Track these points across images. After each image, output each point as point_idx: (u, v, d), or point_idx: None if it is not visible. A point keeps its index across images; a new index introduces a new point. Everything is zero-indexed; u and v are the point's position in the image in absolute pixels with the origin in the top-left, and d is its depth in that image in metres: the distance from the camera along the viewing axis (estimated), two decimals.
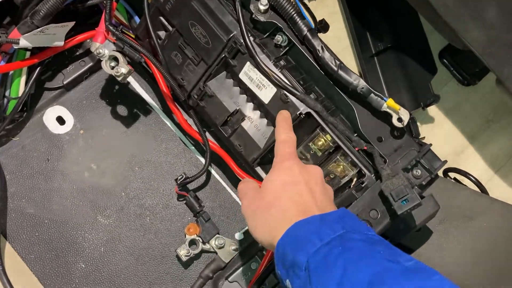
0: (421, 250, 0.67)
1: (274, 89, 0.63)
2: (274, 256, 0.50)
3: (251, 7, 0.63)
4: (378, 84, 0.94)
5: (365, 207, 0.60)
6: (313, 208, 0.51)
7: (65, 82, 0.78)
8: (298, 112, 0.63)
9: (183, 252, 0.73)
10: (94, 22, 0.75)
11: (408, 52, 0.92)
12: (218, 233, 0.76)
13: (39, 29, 0.64)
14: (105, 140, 0.79)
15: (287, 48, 0.66)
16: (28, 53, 0.70)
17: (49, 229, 0.75)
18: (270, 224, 0.52)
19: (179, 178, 0.75)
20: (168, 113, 0.80)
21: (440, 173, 0.83)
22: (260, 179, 0.71)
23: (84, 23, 0.76)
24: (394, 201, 0.55)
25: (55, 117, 0.79)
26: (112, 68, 0.66)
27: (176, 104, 0.74)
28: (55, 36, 0.68)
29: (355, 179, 0.64)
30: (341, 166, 0.65)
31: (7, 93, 0.71)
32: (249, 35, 0.62)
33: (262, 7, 0.63)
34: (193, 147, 0.80)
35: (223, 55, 0.65)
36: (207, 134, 0.76)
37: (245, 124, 0.68)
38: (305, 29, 0.62)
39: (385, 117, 0.61)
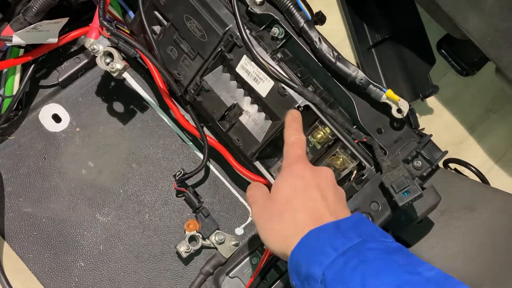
0: (422, 241, 0.67)
1: (272, 82, 0.63)
2: (288, 267, 0.48)
3: None
4: (376, 76, 0.93)
5: (366, 199, 0.59)
6: (326, 214, 0.49)
7: (60, 80, 0.78)
8: (296, 105, 0.62)
9: (183, 248, 0.73)
10: (88, 18, 0.74)
11: (406, 43, 0.91)
12: (218, 229, 0.75)
13: (32, 25, 0.63)
14: (101, 137, 0.78)
15: (284, 40, 0.65)
16: (21, 51, 0.70)
17: (47, 227, 0.74)
18: (283, 233, 0.50)
19: (177, 174, 0.75)
20: (165, 109, 0.79)
21: (440, 164, 0.83)
22: (259, 173, 0.70)
23: (78, 19, 0.75)
24: (395, 193, 0.55)
25: (51, 115, 0.78)
26: (107, 64, 0.65)
27: (173, 99, 0.73)
28: (49, 32, 0.67)
29: (355, 172, 0.64)
30: (341, 159, 0.64)
31: (1, 92, 0.70)
32: (245, 28, 0.62)
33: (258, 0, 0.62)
34: (191, 143, 0.80)
35: (219, 49, 0.64)
36: (205, 129, 0.75)
37: (243, 119, 0.67)
38: (302, 21, 0.61)
39: (385, 108, 0.60)
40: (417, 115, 0.93)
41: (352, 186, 0.61)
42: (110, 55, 0.66)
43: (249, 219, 0.78)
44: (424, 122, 0.94)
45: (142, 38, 0.71)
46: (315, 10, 0.85)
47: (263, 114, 0.67)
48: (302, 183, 0.52)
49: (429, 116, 0.96)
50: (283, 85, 0.62)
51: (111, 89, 0.80)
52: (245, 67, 0.64)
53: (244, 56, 0.63)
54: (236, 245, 0.75)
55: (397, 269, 0.41)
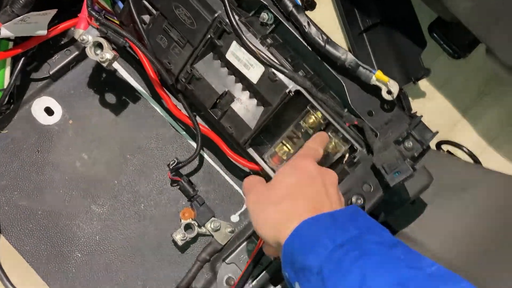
0: (416, 222, 0.68)
1: (262, 68, 0.63)
2: (281, 256, 0.47)
3: None
4: (368, 61, 0.93)
5: (358, 181, 0.59)
6: (327, 207, 0.49)
7: (51, 72, 0.77)
8: (287, 90, 0.62)
9: (179, 236, 0.73)
10: (78, 10, 0.73)
11: (397, 27, 0.91)
12: (213, 216, 0.75)
13: (19, 17, 0.63)
14: (95, 129, 0.78)
15: (274, 26, 0.65)
16: (11, 44, 0.69)
17: (43, 220, 0.74)
18: (278, 218, 0.49)
19: (171, 163, 0.75)
20: (157, 99, 0.79)
21: (433, 146, 0.83)
22: (252, 160, 0.70)
23: (67, 11, 0.75)
24: (386, 174, 0.55)
25: (43, 108, 0.78)
26: (97, 54, 0.65)
27: (165, 89, 0.73)
28: (38, 24, 0.67)
29: (347, 155, 0.64)
30: (333, 143, 0.65)
31: None
32: (234, 14, 0.62)
33: None
34: (184, 132, 0.80)
35: (209, 36, 0.64)
36: (198, 118, 0.75)
37: (235, 106, 0.67)
38: (290, 5, 0.61)
39: (375, 90, 0.61)
40: (410, 98, 0.94)
41: (344, 169, 0.62)
42: (99, 45, 0.66)
43: (244, 207, 0.78)
44: (417, 106, 0.95)
45: (132, 28, 0.71)
46: None
47: (254, 101, 0.67)
48: (307, 177, 0.51)
49: (422, 99, 0.97)
50: (273, 70, 0.62)
51: (103, 81, 0.79)
52: (235, 54, 0.64)
53: (234, 43, 0.63)
54: (232, 232, 0.76)
55: (398, 264, 0.40)
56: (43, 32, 0.68)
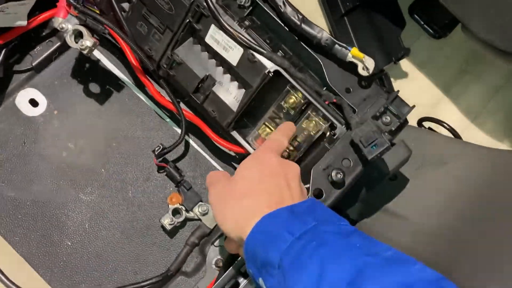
0: (398, 197, 0.69)
1: (241, 50, 0.64)
2: (244, 254, 0.47)
3: None
4: (350, 44, 0.93)
5: (337, 157, 0.60)
6: (288, 200, 0.49)
7: (34, 64, 0.78)
8: (267, 71, 0.63)
9: (167, 221, 0.74)
10: (57, 0, 0.74)
11: (377, 8, 0.92)
12: (201, 201, 0.76)
13: None
14: (80, 119, 0.79)
15: (251, 8, 0.66)
16: None
17: (31, 210, 0.75)
18: (240, 215, 0.49)
19: (156, 149, 0.76)
20: (141, 87, 0.80)
21: (414, 123, 0.85)
22: (237, 143, 0.71)
23: (47, 1, 0.75)
24: (364, 147, 0.56)
25: (28, 100, 0.78)
26: (77, 42, 0.66)
27: (147, 76, 0.74)
28: (17, 15, 0.68)
29: (328, 133, 0.65)
30: (313, 122, 0.66)
31: None
32: None
33: None
34: (169, 119, 0.80)
35: (187, 20, 0.65)
36: (182, 105, 0.76)
37: (217, 89, 0.68)
38: None
39: (351, 67, 0.62)
40: (392, 79, 0.95)
41: (325, 146, 0.63)
42: (79, 33, 0.67)
43: None
44: (399, 86, 0.96)
45: (112, 16, 0.71)
46: None
47: (236, 83, 0.67)
48: (269, 170, 0.51)
49: (404, 79, 0.98)
50: (252, 51, 0.63)
51: (87, 71, 0.80)
52: (214, 37, 0.65)
53: (212, 26, 0.64)
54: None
55: (355, 252, 0.41)
56: (23, 22, 0.69)
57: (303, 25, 0.61)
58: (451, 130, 0.80)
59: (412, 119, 0.75)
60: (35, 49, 0.78)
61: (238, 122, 0.70)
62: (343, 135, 0.61)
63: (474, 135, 0.96)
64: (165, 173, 0.78)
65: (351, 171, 0.60)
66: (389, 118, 0.60)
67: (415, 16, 0.99)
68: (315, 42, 0.61)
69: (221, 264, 0.73)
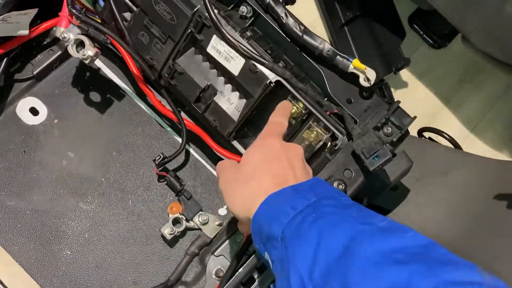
0: (399, 208, 0.69)
1: (243, 60, 0.64)
2: (251, 231, 0.50)
3: None
4: (350, 53, 0.94)
5: (339, 167, 0.60)
6: (292, 181, 0.51)
7: (35, 72, 0.78)
8: (268, 81, 0.63)
9: (167, 230, 0.74)
10: (59, 9, 0.74)
11: (377, 19, 0.93)
12: (201, 210, 0.76)
13: (0, 17, 0.63)
14: (80, 128, 0.79)
15: (253, 18, 0.66)
16: None
17: (31, 219, 0.75)
18: (247, 196, 0.51)
19: (157, 158, 0.76)
20: (142, 96, 0.80)
21: (414, 133, 0.85)
22: (237, 153, 0.71)
23: (49, 10, 0.75)
24: (365, 158, 0.56)
25: (28, 108, 0.78)
26: (79, 51, 0.66)
27: (148, 85, 0.74)
28: (19, 24, 0.68)
29: (329, 143, 0.65)
30: (315, 132, 0.66)
31: None
32: (213, 7, 0.62)
33: None
34: (170, 128, 0.80)
35: (189, 30, 0.65)
36: (183, 114, 0.76)
37: (218, 99, 0.68)
38: None
39: (353, 78, 0.62)
40: (392, 89, 0.95)
41: (326, 156, 0.63)
42: (81, 43, 0.67)
43: None
44: (400, 96, 0.96)
45: (114, 25, 0.72)
46: None
47: (237, 93, 0.68)
48: (272, 154, 0.53)
49: (404, 89, 0.98)
50: (253, 62, 0.63)
51: (87, 80, 0.80)
52: (216, 47, 0.65)
53: (214, 36, 0.64)
54: (220, 225, 0.77)
55: (351, 221, 0.43)
56: (25, 32, 0.69)
57: (305, 36, 0.61)
58: (451, 140, 0.80)
59: (413, 129, 0.75)
60: (36, 58, 0.78)
61: (239, 131, 0.70)
62: (345, 146, 0.62)
63: (474, 144, 0.96)
64: (165, 182, 0.78)
65: (353, 182, 0.60)
66: (390, 129, 0.60)
67: (415, 26, 1.00)
68: (316, 53, 0.61)
69: (221, 274, 0.73)
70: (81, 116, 0.79)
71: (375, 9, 0.93)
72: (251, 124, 0.70)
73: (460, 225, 0.64)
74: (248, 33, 0.65)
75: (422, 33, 1.00)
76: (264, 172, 0.52)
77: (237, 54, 0.64)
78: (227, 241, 0.76)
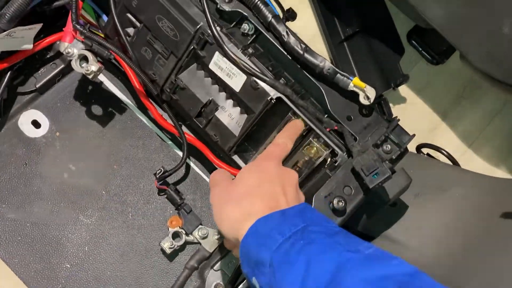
0: (398, 223, 0.69)
1: (244, 77, 0.65)
2: (240, 255, 0.50)
3: None
4: (349, 69, 0.95)
5: (339, 184, 0.61)
6: (283, 206, 0.52)
7: (37, 86, 0.79)
8: (269, 98, 0.64)
9: (167, 244, 0.74)
10: (63, 24, 0.75)
11: (376, 35, 0.94)
12: (201, 224, 0.77)
13: (5, 32, 0.64)
14: (82, 141, 0.79)
15: (254, 36, 0.67)
16: None
17: (31, 232, 0.75)
18: (237, 217, 0.52)
19: (157, 172, 0.76)
20: (143, 110, 0.81)
21: (413, 149, 0.86)
22: (238, 167, 0.72)
23: (53, 25, 0.76)
24: (365, 176, 0.57)
25: (30, 121, 0.79)
26: (82, 67, 0.67)
27: (150, 99, 0.75)
28: (23, 39, 0.68)
29: (329, 159, 0.66)
30: (315, 148, 0.67)
31: None
32: (216, 25, 0.63)
33: None
34: (171, 142, 0.81)
35: (192, 47, 0.66)
36: (183, 127, 0.77)
37: (219, 114, 0.69)
38: (269, 16, 0.63)
39: (353, 96, 0.63)
40: (391, 104, 0.96)
41: (326, 173, 0.63)
42: (85, 58, 0.67)
43: None
44: (398, 111, 0.97)
45: (117, 41, 0.73)
46: (286, 7, 0.88)
47: (238, 109, 0.68)
48: (267, 177, 0.54)
49: (403, 105, 0.99)
50: (255, 79, 0.64)
51: (89, 93, 0.81)
52: (218, 63, 0.66)
53: (216, 53, 0.65)
54: (220, 239, 0.77)
55: (338, 249, 0.44)
56: (29, 46, 0.69)
57: (306, 55, 0.62)
58: (449, 156, 0.81)
59: (411, 145, 0.76)
60: (39, 71, 0.79)
61: (240, 146, 0.70)
62: (345, 163, 0.62)
63: (472, 160, 0.97)
64: (165, 196, 0.78)
65: (353, 199, 0.60)
66: (389, 147, 0.61)
67: (413, 42, 1.01)
68: (317, 71, 0.62)
69: None
70: (83, 129, 0.79)
71: (374, 25, 0.94)
72: (251, 139, 0.71)
73: (459, 241, 0.65)
74: (250, 50, 0.66)
75: (420, 49, 1.01)
76: (257, 194, 0.53)
77: (239, 71, 0.65)
78: (226, 256, 0.76)
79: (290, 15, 0.86)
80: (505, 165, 0.97)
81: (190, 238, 0.76)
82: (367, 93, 0.60)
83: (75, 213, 0.76)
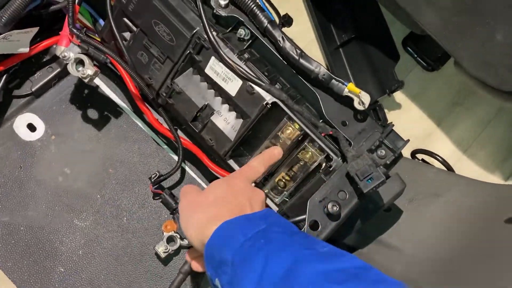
0: (392, 228, 0.70)
1: (240, 82, 0.65)
2: (204, 257, 0.52)
3: (212, 2, 0.65)
4: (345, 75, 0.96)
5: (334, 189, 0.61)
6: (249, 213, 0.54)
7: (33, 89, 0.79)
8: (265, 102, 0.64)
9: (162, 248, 0.74)
10: (59, 28, 0.75)
11: (372, 42, 0.95)
12: None
13: (1, 35, 0.64)
14: (77, 144, 0.79)
15: (250, 41, 0.68)
16: None
17: (25, 235, 0.75)
18: (203, 221, 0.54)
19: (153, 176, 0.76)
20: (139, 114, 0.81)
21: (407, 155, 0.86)
22: (233, 171, 0.72)
23: (49, 29, 0.77)
24: (359, 180, 0.57)
25: (26, 124, 0.79)
26: (78, 70, 0.67)
27: (146, 104, 0.75)
28: (20, 42, 0.69)
29: (323, 164, 0.66)
30: (310, 153, 0.67)
31: None
32: (212, 30, 0.64)
33: (222, 2, 0.65)
34: (166, 146, 0.81)
35: (188, 51, 0.66)
36: (179, 132, 0.77)
37: (215, 118, 0.69)
38: (265, 21, 0.64)
39: (348, 101, 0.63)
40: (386, 110, 0.97)
41: (321, 177, 0.63)
42: (81, 62, 0.68)
43: None
44: (393, 117, 0.98)
45: (113, 45, 0.73)
46: (282, 13, 0.88)
47: (234, 113, 0.69)
48: (236, 190, 0.57)
49: (398, 111, 1.00)
50: (250, 83, 0.64)
51: (85, 97, 0.81)
52: (214, 68, 0.66)
53: (212, 58, 0.65)
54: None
55: (295, 247, 0.47)
56: (25, 49, 0.70)
57: (301, 60, 0.62)
58: (444, 162, 0.81)
59: (406, 151, 0.77)
60: (35, 75, 0.79)
61: (235, 150, 0.71)
62: (339, 167, 0.62)
63: (466, 166, 0.97)
64: (160, 200, 0.78)
65: (347, 203, 0.60)
66: (384, 152, 0.61)
67: (409, 49, 1.02)
68: (312, 76, 0.63)
69: None
70: (78, 132, 0.79)
71: (370, 32, 0.95)
72: (247, 144, 0.71)
73: (452, 246, 0.65)
74: (246, 55, 0.66)
75: (415, 56, 1.02)
76: (224, 203, 0.55)
77: (235, 76, 0.65)
78: None
79: (286, 21, 0.87)
80: (499, 171, 0.97)
81: (185, 242, 0.76)
82: (362, 99, 0.60)
83: (69, 217, 0.76)
